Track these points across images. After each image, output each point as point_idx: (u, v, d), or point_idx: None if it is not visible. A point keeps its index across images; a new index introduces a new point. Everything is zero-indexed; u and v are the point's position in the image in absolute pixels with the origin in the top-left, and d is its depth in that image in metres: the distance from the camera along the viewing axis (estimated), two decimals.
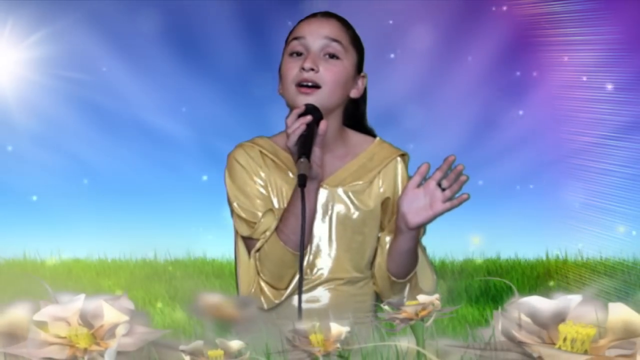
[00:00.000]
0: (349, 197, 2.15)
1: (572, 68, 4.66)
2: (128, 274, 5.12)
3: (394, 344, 1.07)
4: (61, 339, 0.78)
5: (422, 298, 1.12)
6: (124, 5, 4.75)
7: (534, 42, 4.72)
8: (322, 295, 2.13)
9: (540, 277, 5.02)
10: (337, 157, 2.18)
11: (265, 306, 2.09)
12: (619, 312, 0.80)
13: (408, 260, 2.11)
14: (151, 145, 4.99)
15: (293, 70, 2.10)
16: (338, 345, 1.05)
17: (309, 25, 2.15)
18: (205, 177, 4.87)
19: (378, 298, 2.19)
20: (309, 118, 2.00)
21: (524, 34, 4.72)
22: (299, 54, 2.12)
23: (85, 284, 4.89)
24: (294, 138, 1.98)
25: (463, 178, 2.02)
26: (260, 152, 2.17)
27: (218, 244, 4.95)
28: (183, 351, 0.99)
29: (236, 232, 2.16)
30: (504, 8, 4.74)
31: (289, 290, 2.09)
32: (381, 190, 2.17)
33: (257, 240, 2.10)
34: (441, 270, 4.85)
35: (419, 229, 2.09)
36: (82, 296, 0.80)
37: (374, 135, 2.26)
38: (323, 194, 2.13)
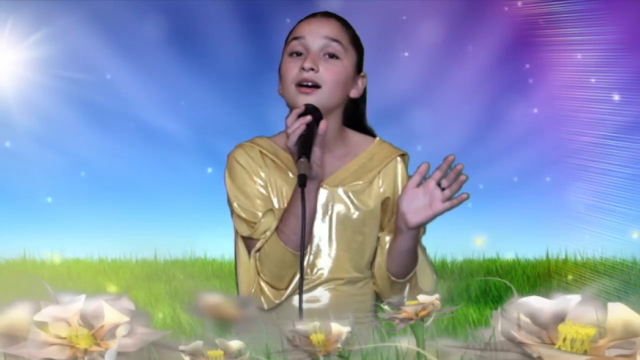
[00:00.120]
0: (349, 197, 2.15)
1: (572, 68, 4.66)
2: (128, 274, 5.12)
3: (394, 344, 1.07)
4: (61, 340, 0.78)
5: (422, 298, 1.12)
6: (124, 5, 4.75)
7: (534, 42, 4.72)
8: (322, 295, 2.13)
9: (540, 277, 5.02)
10: (337, 157, 2.18)
11: (266, 306, 2.09)
12: (618, 312, 0.80)
13: (408, 260, 2.11)
14: (151, 145, 5.00)
15: (293, 70, 2.11)
16: (339, 345, 1.05)
17: (308, 25, 2.15)
18: (210, 170, 4.85)
19: (378, 298, 2.19)
20: (308, 118, 2.00)
21: (524, 34, 4.72)
22: (298, 54, 2.12)
23: (85, 284, 4.89)
24: (293, 138, 1.98)
25: (462, 177, 2.02)
26: (260, 152, 2.17)
27: (218, 244, 4.95)
28: (183, 351, 0.99)
29: (236, 232, 2.16)
30: (505, 8, 4.74)
31: (289, 291, 2.09)
32: (381, 190, 2.17)
33: (257, 240, 2.10)
34: (441, 270, 4.85)
35: (419, 229, 2.09)
36: (83, 296, 0.80)
37: (373, 135, 2.26)
38: (323, 194, 2.13)
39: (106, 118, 4.91)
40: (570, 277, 4.81)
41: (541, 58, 4.74)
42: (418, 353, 1.04)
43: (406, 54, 4.81)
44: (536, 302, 0.83)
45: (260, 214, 2.11)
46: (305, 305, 1.96)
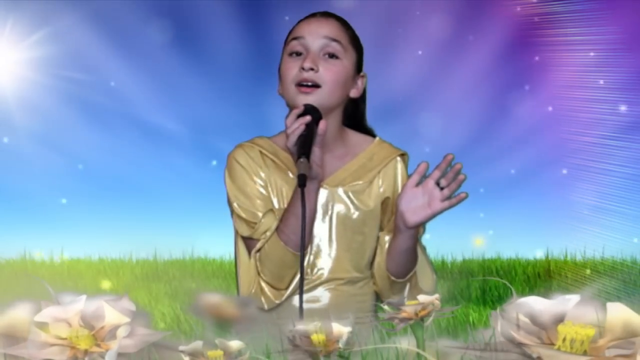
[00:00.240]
0: (349, 197, 2.15)
1: (572, 68, 4.66)
2: (128, 274, 5.13)
3: (396, 345, 1.07)
4: (62, 340, 0.78)
5: (422, 298, 1.12)
6: (124, 4, 4.75)
7: (534, 42, 4.72)
8: (322, 295, 2.13)
9: (540, 277, 5.02)
10: (336, 157, 2.18)
11: (266, 306, 2.09)
12: (617, 312, 0.80)
13: (407, 259, 2.11)
14: (151, 144, 5.00)
15: (293, 70, 2.11)
16: (340, 345, 1.05)
17: (308, 25, 2.15)
18: (214, 162, 4.84)
19: (378, 298, 2.19)
20: (308, 118, 2.00)
21: (524, 34, 4.72)
22: (298, 54, 2.12)
23: (85, 284, 4.89)
24: (293, 138, 1.98)
25: (461, 177, 2.02)
26: (260, 152, 2.17)
27: (218, 244, 4.95)
28: (182, 352, 0.99)
29: (236, 232, 2.16)
30: (505, 9, 4.74)
31: (289, 291, 2.09)
32: (381, 190, 2.17)
33: (258, 240, 2.10)
34: (441, 270, 4.85)
35: (418, 228, 2.09)
36: (84, 297, 0.80)
37: (373, 135, 2.26)
38: (323, 194, 2.13)
39: (106, 118, 4.92)
40: (570, 277, 4.81)
41: (540, 58, 4.74)
42: (418, 353, 1.04)
43: (420, 52, 4.81)
44: (535, 303, 0.83)
45: (260, 214, 2.11)
46: (305, 305, 1.95)
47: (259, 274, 2.11)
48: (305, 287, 2.06)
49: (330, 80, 2.10)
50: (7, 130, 4.76)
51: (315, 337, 1.05)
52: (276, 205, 2.13)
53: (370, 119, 2.28)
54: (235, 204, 2.14)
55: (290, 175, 2.14)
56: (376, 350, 1.06)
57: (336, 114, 2.15)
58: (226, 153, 2.21)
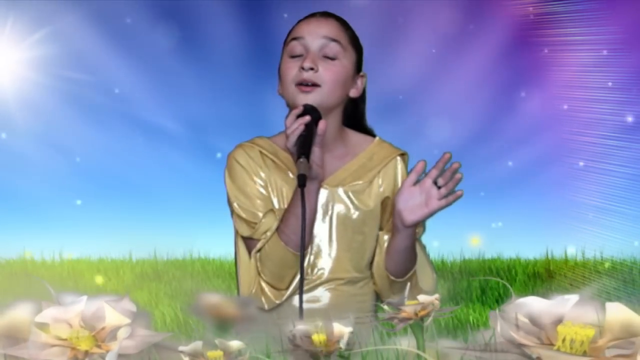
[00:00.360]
0: (349, 197, 2.15)
1: (572, 68, 4.66)
2: (128, 274, 5.13)
3: (394, 344, 1.07)
4: (62, 341, 0.78)
5: (422, 298, 1.12)
6: (124, 4, 4.75)
7: (534, 42, 4.72)
8: (322, 295, 2.13)
9: (540, 277, 5.02)
10: (336, 157, 2.18)
11: (266, 306, 2.09)
12: (616, 312, 0.80)
13: (406, 258, 2.11)
14: (151, 144, 5.00)
15: (292, 70, 2.11)
16: (341, 345, 1.05)
17: (307, 26, 2.15)
18: (219, 154, 4.83)
19: (378, 298, 2.19)
20: (307, 118, 2.00)
21: (524, 34, 4.72)
22: (298, 55, 2.12)
23: (85, 284, 4.89)
24: (293, 139, 1.99)
25: (458, 176, 2.02)
26: (260, 152, 2.17)
27: (218, 244, 4.95)
28: (182, 352, 0.99)
29: (236, 232, 2.16)
30: (505, 9, 4.74)
31: (289, 291, 2.09)
32: (381, 189, 2.17)
33: (258, 240, 2.10)
34: (441, 270, 4.85)
35: (416, 227, 2.09)
36: (84, 298, 0.80)
37: (373, 135, 2.26)
38: (323, 194, 2.13)
39: (106, 118, 4.92)
40: (570, 277, 4.81)
41: (540, 58, 4.74)
42: (418, 354, 1.04)
43: (434, 50, 4.81)
44: (534, 303, 0.83)
45: (260, 214, 2.11)
46: (305, 305, 1.96)
47: (259, 274, 2.11)
48: (305, 287, 2.06)
49: (330, 79, 2.10)
50: (7, 130, 4.76)
51: (316, 337, 1.05)
52: (276, 206, 2.13)
53: (370, 118, 2.29)
54: (235, 204, 2.14)
55: (290, 175, 2.14)
56: (376, 350, 1.06)
57: (336, 114, 2.15)
58: (226, 153, 2.21)
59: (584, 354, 0.79)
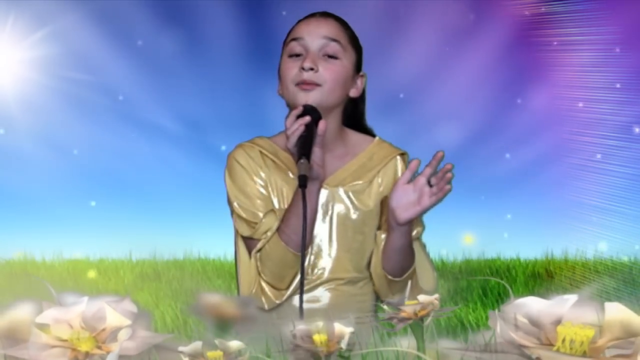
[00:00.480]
0: (349, 197, 2.15)
1: (572, 68, 4.66)
2: (128, 274, 5.12)
3: (394, 344, 1.07)
4: (63, 342, 0.78)
5: (421, 298, 1.13)
6: (124, 4, 4.75)
7: (535, 41, 4.72)
8: (322, 295, 2.14)
9: (540, 277, 5.02)
10: (336, 157, 2.19)
11: (266, 306, 2.09)
12: (616, 312, 0.80)
13: (402, 257, 2.11)
14: (151, 144, 4.99)
15: (292, 70, 2.11)
16: (341, 345, 1.05)
17: (307, 26, 2.16)
18: (223, 147, 4.82)
19: (379, 298, 2.19)
20: (307, 119, 2.00)
21: (525, 34, 4.72)
22: (298, 55, 2.13)
23: (85, 284, 4.89)
24: (293, 139, 1.99)
25: (449, 175, 2.03)
26: (260, 152, 2.17)
27: (218, 244, 4.95)
28: (182, 352, 0.99)
29: (236, 232, 2.17)
30: (505, 9, 4.73)
31: (290, 291, 2.09)
32: (381, 189, 2.18)
33: (258, 240, 2.10)
34: (441, 270, 4.85)
35: (411, 226, 2.09)
36: (85, 299, 0.80)
37: (373, 135, 2.26)
38: (323, 194, 2.14)
39: (106, 118, 4.91)
40: (570, 277, 4.80)
41: (540, 58, 4.74)
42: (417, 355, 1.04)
43: (447, 48, 4.81)
44: (534, 303, 0.83)
45: (260, 214, 2.11)
46: (305, 305, 1.96)
47: (259, 274, 2.11)
48: (305, 287, 2.06)
49: (330, 79, 2.10)
50: (7, 130, 4.76)
51: (317, 337, 1.05)
52: (276, 206, 2.13)
53: (371, 116, 2.29)
54: (235, 204, 2.14)
55: (291, 175, 2.15)
56: (376, 350, 1.06)
57: (336, 114, 2.16)
58: (226, 153, 2.21)
59: (584, 354, 0.79)
